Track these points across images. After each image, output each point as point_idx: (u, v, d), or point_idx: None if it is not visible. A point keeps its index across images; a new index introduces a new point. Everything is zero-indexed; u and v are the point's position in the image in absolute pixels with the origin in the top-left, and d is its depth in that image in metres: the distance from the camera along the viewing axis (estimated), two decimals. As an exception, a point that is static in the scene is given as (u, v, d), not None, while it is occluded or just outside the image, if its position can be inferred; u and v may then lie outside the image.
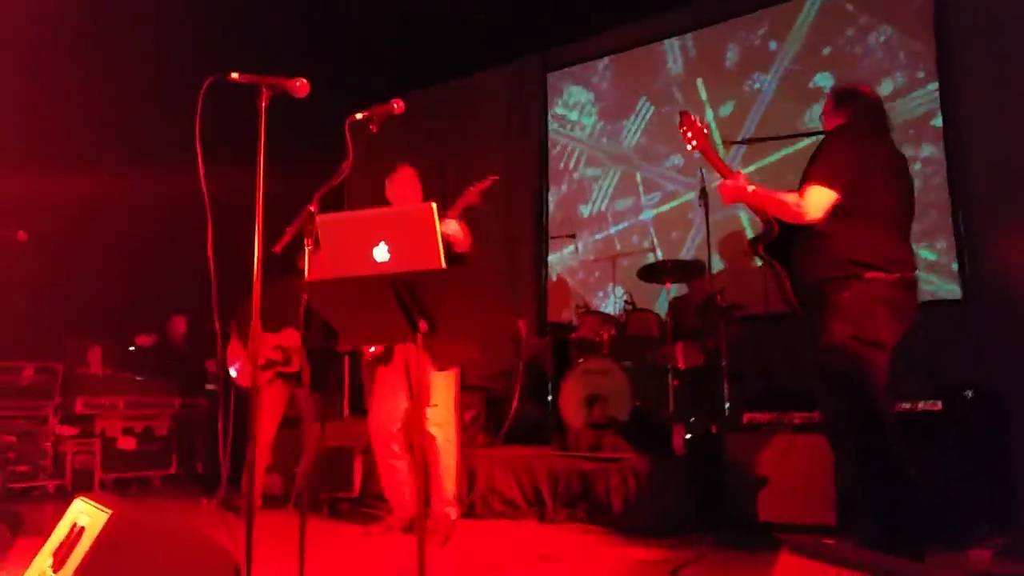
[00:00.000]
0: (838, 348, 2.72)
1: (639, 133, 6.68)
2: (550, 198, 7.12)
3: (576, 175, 7.03)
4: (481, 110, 7.51)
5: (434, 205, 2.21)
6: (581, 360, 5.17)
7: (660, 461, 4.11)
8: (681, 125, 3.08)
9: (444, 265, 2.20)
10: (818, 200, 2.78)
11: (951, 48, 5.27)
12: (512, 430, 5.36)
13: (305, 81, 2.37)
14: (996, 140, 4.96)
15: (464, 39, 6.85)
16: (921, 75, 5.42)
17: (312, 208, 2.52)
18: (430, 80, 7.57)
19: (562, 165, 7.12)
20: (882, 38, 5.61)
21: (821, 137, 3.04)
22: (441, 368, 3.66)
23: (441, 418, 3.72)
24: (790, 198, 2.85)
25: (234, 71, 2.31)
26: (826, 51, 5.85)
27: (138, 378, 6.25)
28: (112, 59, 5.96)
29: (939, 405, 3.80)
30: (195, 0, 5.85)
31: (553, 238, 6.88)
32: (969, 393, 3.81)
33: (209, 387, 6.34)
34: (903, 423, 3.73)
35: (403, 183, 3.85)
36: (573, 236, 6.48)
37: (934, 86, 5.36)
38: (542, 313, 6.85)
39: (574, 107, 7.12)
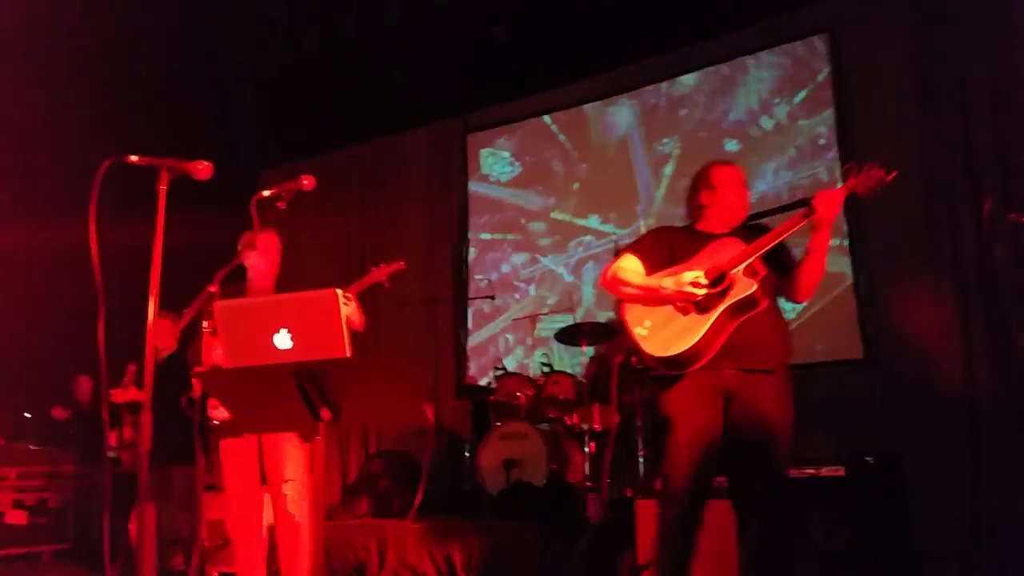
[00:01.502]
0: (790, 429, 2.79)
1: (560, 194, 6.80)
2: (469, 259, 7.14)
3: (496, 236, 7.08)
4: (400, 171, 7.49)
5: (339, 291, 2.18)
6: (499, 424, 5.14)
7: (574, 529, 4.09)
8: None
9: (349, 353, 2.16)
10: None
11: (847, 106, 5.50)
12: (426, 498, 5.24)
13: (208, 164, 2.30)
14: (893, 197, 5.19)
15: (384, 100, 6.87)
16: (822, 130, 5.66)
17: (213, 289, 2.46)
18: (348, 141, 7.55)
19: (482, 224, 7.16)
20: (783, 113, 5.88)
21: None
22: (306, 439, 3.45)
23: (297, 494, 3.46)
24: None
25: (133, 154, 2.24)
26: (732, 116, 6.09)
27: (31, 447, 5.89)
28: (11, 121, 5.73)
29: (842, 471, 3.91)
30: (97, 71, 5.72)
31: (472, 299, 6.87)
32: (871, 459, 3.93)
33: (111, 454, 6.02)
34: (810, 488, 3.88)
35: (266, 249, 3.45)
36: (493, 297, 6.49)
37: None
38: (460, 375, 6.80)
39: (494, 168, 7.20)
